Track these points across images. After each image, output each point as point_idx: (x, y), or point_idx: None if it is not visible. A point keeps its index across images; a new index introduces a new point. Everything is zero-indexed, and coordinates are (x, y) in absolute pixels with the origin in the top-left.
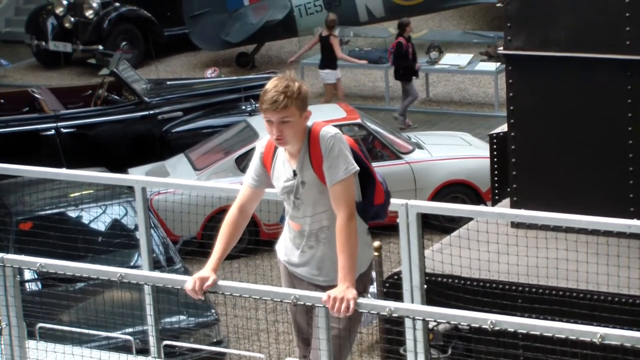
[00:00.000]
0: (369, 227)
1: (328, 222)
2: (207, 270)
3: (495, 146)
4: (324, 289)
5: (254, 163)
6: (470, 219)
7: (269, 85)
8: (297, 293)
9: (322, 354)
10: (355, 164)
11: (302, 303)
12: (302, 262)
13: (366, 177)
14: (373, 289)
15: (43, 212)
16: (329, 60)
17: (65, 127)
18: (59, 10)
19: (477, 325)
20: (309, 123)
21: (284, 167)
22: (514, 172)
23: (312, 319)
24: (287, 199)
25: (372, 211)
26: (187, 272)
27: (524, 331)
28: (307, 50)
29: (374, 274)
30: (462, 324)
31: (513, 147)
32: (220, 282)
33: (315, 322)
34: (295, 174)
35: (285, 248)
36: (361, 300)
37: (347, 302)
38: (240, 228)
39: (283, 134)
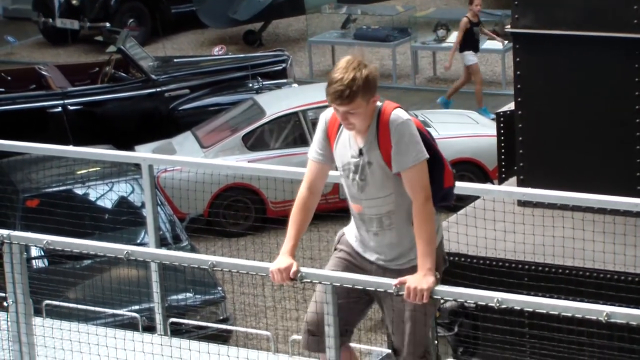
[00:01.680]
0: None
1: (393, 207)
2: (284, 258)
3: (502, 124)
4: (399, 273)
5: (318, 136)
6: (477, 197)
7: (336, 73)
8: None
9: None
10: (425, 151)
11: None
12: (368, 247)
13: (435, 161)
14: None
15: (50, 190)
16: (469, 43)
17: (72, 105)
18: None
19: (484, 303)
20: (379, 103)
21: (349, 142)
22: (521, 151)
23: (358, 304)
24: (347, 177)
25: (441, 194)
26: (193, 250)
27: (530, 309)
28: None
29: None
30: (468, 301)
31: (520, 125)
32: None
33: (390, 305)
34: (361, 152)
35: (353, 235)
36: (439, 287)
37: (421, 292)
38: (312, 209)
39: (350, 122)
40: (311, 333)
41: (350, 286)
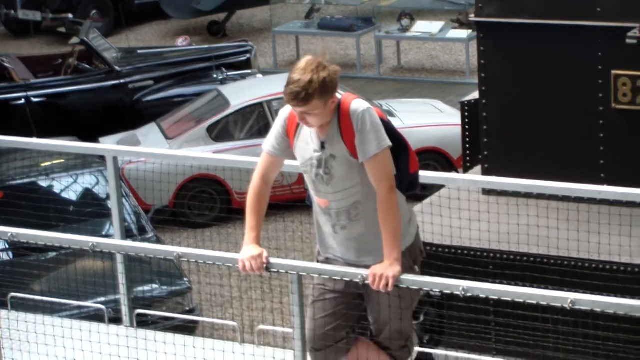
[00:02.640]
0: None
1: (360, 197)
2: (253, 248)
3: (466, 113)
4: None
5: (275, 130)
6: (442, 186)
7: (295, 73)
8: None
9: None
10: (388, 139)
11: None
12: (337, 244)
13: (399, 148)
14: None
15: (14, 182)
16: None
17: (35, 97)
18: None
19: (449, 292)
20: (338, 95)
21: (311, 138)
22: (485, 140)
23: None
24: (310, 172)
25: (407, 180)
26: (159, 241)
27: (496, 297)
28: None
29: None
30: (434, 290)
31: (484, 114)
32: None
33: (376, 299)
34: (323, 146)
35: (320, 240)
36: (405, 276)
37: (387, 280)
38: (266, 198)
39: (307, 122)
40: (316, 349)
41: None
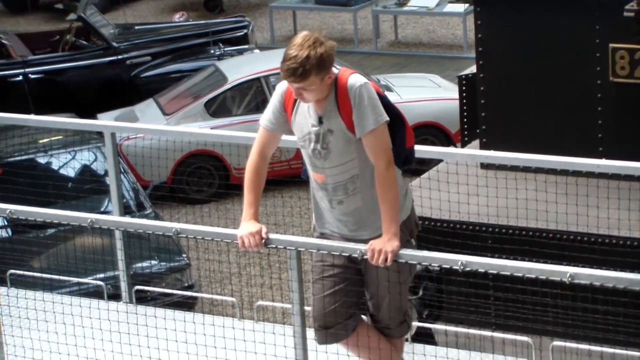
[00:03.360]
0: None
1: (357, 171)
2: (251, 224)
3: (464, 88)
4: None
5: (272, 105)
6: (440, 161)
7: (291, 49)
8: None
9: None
10: (385, 114)
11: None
12: (333, 219)
13: (396, 123)
14: None
15: (12, 159)
16: None
17: (33, 73)
18: None
19: (448, 267)
20: (335, 70)
21: (309, 112)
22: (483, 114)
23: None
24: (308, 147)
25: (403, 155)
26: (157, 217)
27: (494, 272)
28: None
29: None
30: (432, 265)
31: (482, 88)
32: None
33: (374, 275)
34: (321, 121)
35: (316, 215)
36: (403, 251)
37: (385, 254)
38: (264, 173)
39: (304, 98)
40: (323, 327)
41: (341, 268)
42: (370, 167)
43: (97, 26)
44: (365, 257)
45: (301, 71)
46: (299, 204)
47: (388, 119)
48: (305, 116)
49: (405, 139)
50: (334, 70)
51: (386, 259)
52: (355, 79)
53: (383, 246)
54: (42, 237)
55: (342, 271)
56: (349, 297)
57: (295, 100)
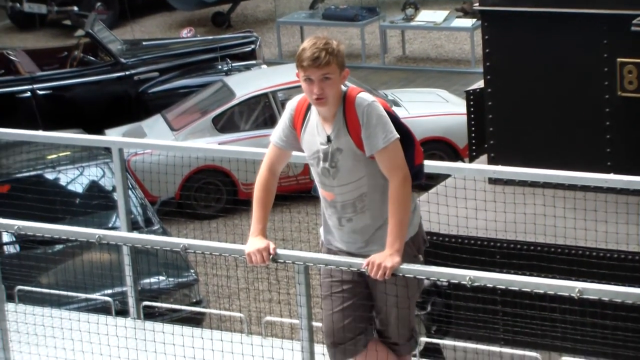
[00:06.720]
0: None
1: (366, 189)
2: (259, 240)
3: (472, 102)
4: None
5: (283, 123)
6: (448, 176)
7: (306, 43)
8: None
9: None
10: (395, 131)
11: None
12: (341, 237)
13: (405, 140)
14: None
15: (20, 175)
16: None
17: (41, 89)
18: None
19: (456, 282)
20: (343, 87)
21: (317, 130)
22: (491, 129)
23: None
24: (317, 165)
25: (413, 172)
26: (165, 233)
27: (503, 287)
28: None
29: None
30: (441, 280)
31: (490, 103)
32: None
33: (382, 290)
34: (329, 139)
35: (325, 231)
36: (411, 266)
37: (384, 269)
38: (273, 190)
39: (325, 93)
40: (335, 344)
41: (349, 284)
42: (379, 185)
43: (105, 42)
44: (362, 269)
45: (324, 54)
46: (307, 219)
47: (398, 136)
48: (314, 134)
49: (415, 156)
50: (342, 87)
51: (384, 274)
52: (363, 97)
53: (383, 260)
54: (49, 253)
55: (351, 287)
56: (359, 313)
57: (305, 118)
